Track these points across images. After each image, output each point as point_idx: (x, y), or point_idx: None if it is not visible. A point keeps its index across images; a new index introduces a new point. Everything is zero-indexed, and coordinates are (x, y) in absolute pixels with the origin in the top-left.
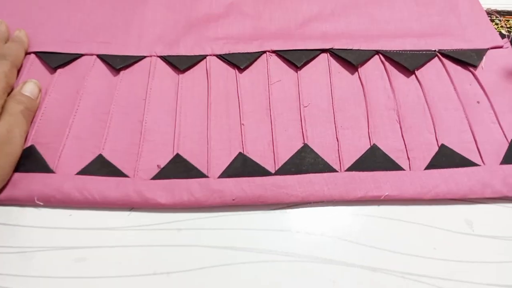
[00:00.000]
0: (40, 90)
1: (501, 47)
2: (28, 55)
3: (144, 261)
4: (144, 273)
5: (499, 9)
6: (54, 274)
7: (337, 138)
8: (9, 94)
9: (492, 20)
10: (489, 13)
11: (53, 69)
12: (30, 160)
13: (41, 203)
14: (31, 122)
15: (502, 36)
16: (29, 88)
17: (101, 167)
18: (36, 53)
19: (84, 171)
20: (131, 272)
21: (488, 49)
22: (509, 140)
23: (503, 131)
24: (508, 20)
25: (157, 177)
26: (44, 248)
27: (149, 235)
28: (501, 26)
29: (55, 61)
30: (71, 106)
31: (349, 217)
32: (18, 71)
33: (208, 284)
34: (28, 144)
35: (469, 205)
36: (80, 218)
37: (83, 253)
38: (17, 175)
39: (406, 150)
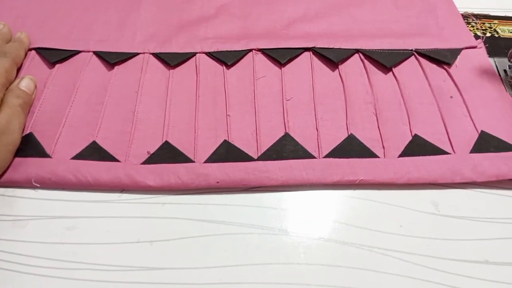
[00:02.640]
0: (35, 86)
1: (475, 47)
2: (29, 52)
3: (129, 230)
4: (128, 241)
5: (476, 12)
6: (46, 240)
7: (317, 128)
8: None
9: (469, 23)
10: (466, 16)
11: (51, 64)
12: (28, 146)
13: (38, 185)
14: (28, 114)
15: (477, 37)
16: (25, 83)
17: (94, 152)
18: (36, 49)
19: (79, 156)
20: (117, 240)
21: (462, 49)
22: (479, 131)
23: (473, 123)
24: (483, 23)
25: (146, 162)
26: (37, 217)
27: (136, 207)
28: (477, 29)
29: (54, 56)
30: (67, 98)
31: (324, 198)
32: (18, 69)
33: (188, 253)
34: (27, 131)
35: (437, 189)
36: (74, 192)
37: (74, 222)
38: (16, 159)
39: (382, 140)
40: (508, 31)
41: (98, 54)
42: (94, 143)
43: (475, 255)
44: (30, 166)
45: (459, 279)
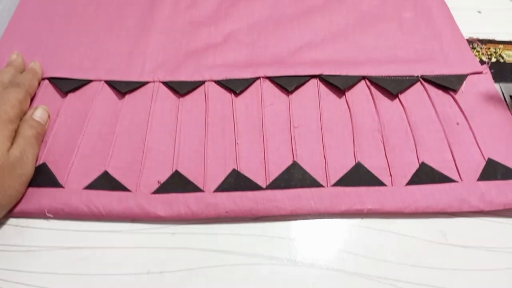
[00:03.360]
0: (48, 116)
1: (480, 72)
2: (42, 81)
3: (140, 261)
4: (139, 272)
5: (481, 38)
6: (58, 271)
7: (324, 156)
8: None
9: (474, 48)
10: (471, 41)
11: (64, 93)
12: (42, 176)
13: (51, 216)
14: (41, 144)
15: (482, 62)
16: (39, 114)
17: (106, 182)
18: (49, 78)
19: (91, 186)
20: (128, 271)
21: (468, 74)
22: (487, 159)
23: (480, 151)
24: (489, 48)
25: (157, 191)
26: (50, 248)
27: (146, 237)
28: (482, 54)
29: (66, 86)
30: (79, 127)
31: (332, 227)
32: (32, 99)
33: (197, 284)
34: (40, 162)
35: (445, 218)
36: (86, 222)
37: (86, 253)
38: (30, 190)
39: (389, 168)
40: None
41: (109, 83)
42: (105, 173)
43: (483, 285)
44: (43, 196)
45: None
